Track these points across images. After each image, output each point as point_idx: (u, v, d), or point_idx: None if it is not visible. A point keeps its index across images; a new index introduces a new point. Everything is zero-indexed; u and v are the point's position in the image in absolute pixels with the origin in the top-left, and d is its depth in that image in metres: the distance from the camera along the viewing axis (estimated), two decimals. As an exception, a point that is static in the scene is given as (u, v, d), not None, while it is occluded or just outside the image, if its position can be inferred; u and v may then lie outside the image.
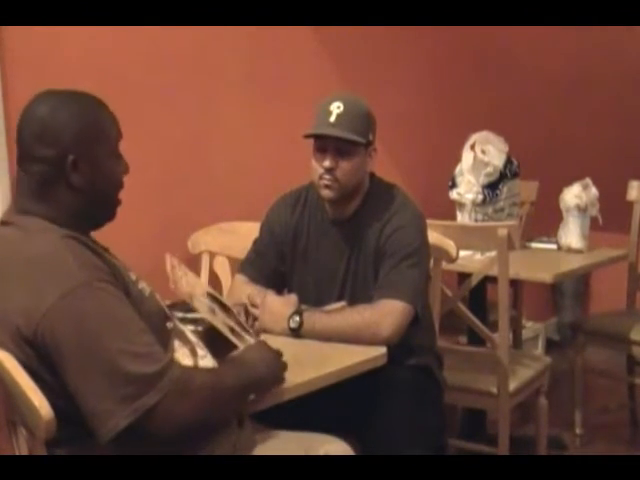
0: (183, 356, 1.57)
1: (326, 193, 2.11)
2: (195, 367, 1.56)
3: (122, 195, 1.60)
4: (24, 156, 1.51)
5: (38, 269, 1.41)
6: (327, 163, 2.08)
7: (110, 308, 1.41)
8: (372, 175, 2.21)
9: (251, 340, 1.76)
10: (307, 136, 2.11)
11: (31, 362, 1.40)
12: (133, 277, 1.56)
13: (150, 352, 1.41)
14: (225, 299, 1.84)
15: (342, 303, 2.09)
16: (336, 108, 2.07)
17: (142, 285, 1.57)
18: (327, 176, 2.09)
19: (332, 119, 2.06)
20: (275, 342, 1.79)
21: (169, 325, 1.59)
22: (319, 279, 2.20)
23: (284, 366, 1.69)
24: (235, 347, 1.69)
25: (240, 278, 2.26)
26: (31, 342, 1.39)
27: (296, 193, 2.28)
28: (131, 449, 1.41)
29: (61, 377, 1.39)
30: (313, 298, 2.13)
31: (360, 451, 1.94)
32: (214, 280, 2.72)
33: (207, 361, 1.61)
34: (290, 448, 1.68)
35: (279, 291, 2.22)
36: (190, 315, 1.81)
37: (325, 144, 2.08)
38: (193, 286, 1.75)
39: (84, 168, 1.49)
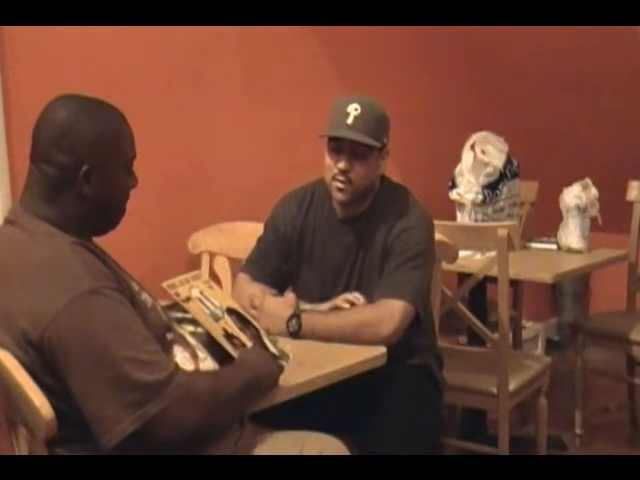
0: (184, 360, 1.57)
1: (339, 196, 2.12)
2: (197, 371, 1.56)
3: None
4: (38, 156, 1.51)
5: (45, 274, 1.41)
6: (342, 165, 2.08)
7: (117, 315, 1.41)
8: (382, 176, 2.21)
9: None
10: (323, 136, 2.10)
11: (34, 365, 1.41)
12: (136, 287, 1.56)
13: (156, 360, 1.42)
14: (247, 314, 1.82)
15: (349, 295, 2.08)
16: (353, 110, 2.06)
17: (145, 296, 1.58)
18: (341, 177, 2.09)
19: (349, 121, 2.06)
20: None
21: (169, 336, 1.59)
22: (324, 277, 2.20)
23: (281, 367, 1.69)
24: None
25: (243, 277, 2.26)
26: (36, 346, 1.39)
27: (302, 191, 2.28)
28: (133, 453, 1.41)
29: (65, 382, 1.39)
30: (317, 296, 2.13)
31: (356, 450, 1.94)
32: (214, 280, 2.72)
33: (208, 363, 1.61)
34: (286, 447, 1.68)
35: (282, 289, 2.22)
36: (189, 315, 1.81)
37: (341, 146, 2.08)
38: (207, 296, 1.74)
39: (96, 179, 1.50)
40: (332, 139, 2.09)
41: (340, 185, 2.10)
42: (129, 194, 1.59)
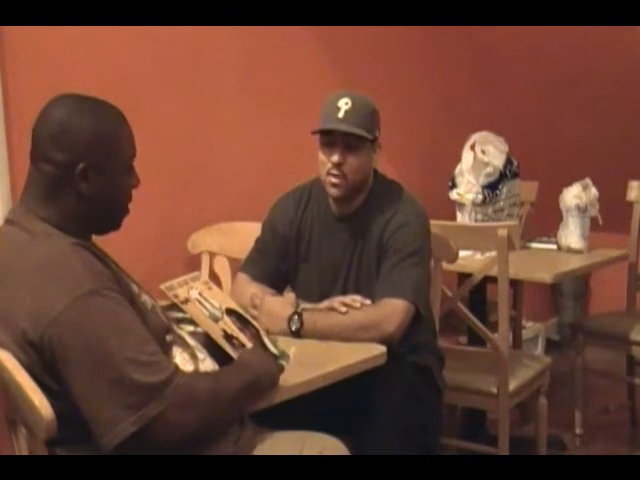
0: (183, 361, 1.57)
1: (333, 192, 2.13)
2: (197, 372, 1.57)
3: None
4: (37, 155, 1.51)
5: (46, 274, 1.41)
6: (335, 158, 2.08)
7: (117, 316, 1.41)
8: (375, 171, 2.22)
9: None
10: (316, 132, 2.11)
11: (34, 365, 1.41)
12: (136, 289, 1.57)
13: (156, 361, 1.42)
14: (246, 313, 1.82)
15: (352, 297, 2.08)
16: (344, 104, 2.08)
17: (144, 297, 1.58)
18: (335, 172, 2.10)
19: (340, 115, 2.07)
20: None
21: (168, 338, 1.59)
22: (323, 275, 2.20)
23: (281, 367, 1.69)
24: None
25: (242, 277, 2.26)
26: (36, 346, 1.39)
27: (299, 191, 2.29)
28: (133, 454, 1.40)
29: (65, 383, 1.39)
30: (317, 294, 2.13)
31: (356, 450, 1.94)
32: (214, 280, 2.72)
33: (207, 364, 1.61)
34: (286, 447, 1.68)
35: (281, 289, 2.22)
36: (188, 315, 1.81)
37: (333, 139, 2.09)
38: (206, 297, 1.74)
39: (93, 178, 1.50)
40: (324, 133, 2.11)
41: (334, 180, 2.10)
42: (131, 194, 1.59)
